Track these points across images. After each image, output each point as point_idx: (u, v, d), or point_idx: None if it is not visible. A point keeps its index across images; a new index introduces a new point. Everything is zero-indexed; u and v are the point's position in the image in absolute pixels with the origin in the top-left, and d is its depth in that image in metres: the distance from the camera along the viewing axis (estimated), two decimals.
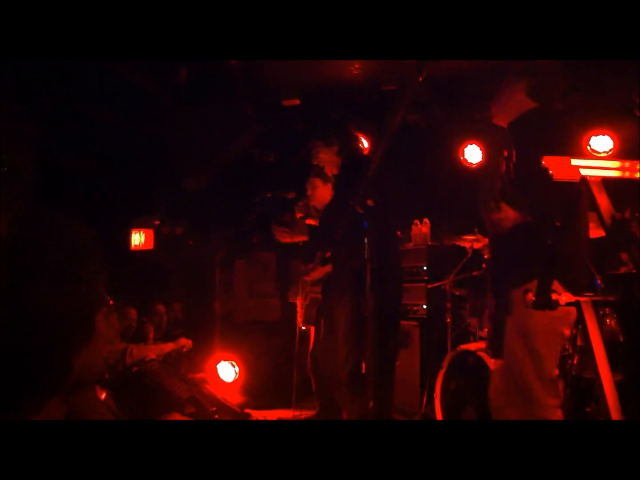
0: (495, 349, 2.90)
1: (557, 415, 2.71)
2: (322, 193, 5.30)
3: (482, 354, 4.33)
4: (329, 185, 5.28)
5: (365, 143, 4.64)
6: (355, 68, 5.52)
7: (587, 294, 2.09)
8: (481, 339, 5.03)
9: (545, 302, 2.03)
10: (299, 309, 5.42)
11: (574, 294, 2.09)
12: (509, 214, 2.36)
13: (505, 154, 2.72)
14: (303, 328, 5.35)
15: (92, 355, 1.15)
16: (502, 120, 2.96)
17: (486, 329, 4.88)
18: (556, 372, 3.79)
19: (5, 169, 4.90)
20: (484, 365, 4.28)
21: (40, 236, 1.09)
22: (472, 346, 4.61)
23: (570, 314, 2.62)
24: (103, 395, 3.10)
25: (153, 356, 4.90)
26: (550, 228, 2.57)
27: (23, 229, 1.09)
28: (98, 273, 1.15)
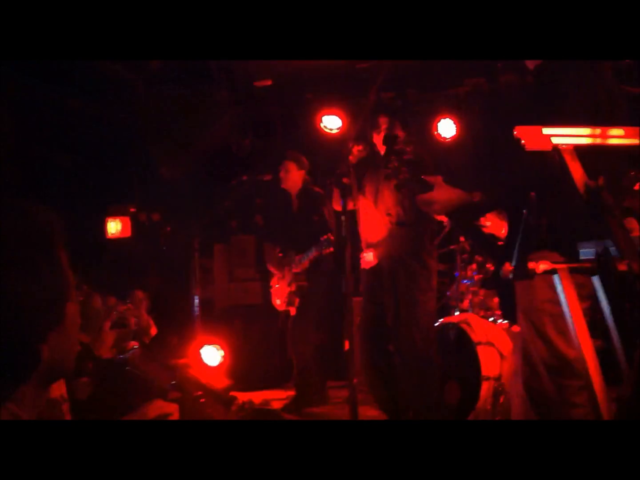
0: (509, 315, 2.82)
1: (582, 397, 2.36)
2: (294, 178, 5.27)
3: (465, 327, 4.34)
4: (302, 172, 5.26)
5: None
6: None
7: (563, 261, 2.10)
8: (462, 311, 5.06)
9: (522, 272, 2.04)
10: (273, 293, 5.42)
11: (551, 261, 2.10)
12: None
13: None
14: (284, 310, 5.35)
15: (63, 344, 1.11)
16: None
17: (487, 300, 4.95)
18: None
19: None
20: (467, 339, 4.29)
21: None
22: (453, 319, 4.62)
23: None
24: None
25: (135, 343, 4.88)
26: (526, 198, 2.57)
27: None
28: (62, 259, 1.11)
